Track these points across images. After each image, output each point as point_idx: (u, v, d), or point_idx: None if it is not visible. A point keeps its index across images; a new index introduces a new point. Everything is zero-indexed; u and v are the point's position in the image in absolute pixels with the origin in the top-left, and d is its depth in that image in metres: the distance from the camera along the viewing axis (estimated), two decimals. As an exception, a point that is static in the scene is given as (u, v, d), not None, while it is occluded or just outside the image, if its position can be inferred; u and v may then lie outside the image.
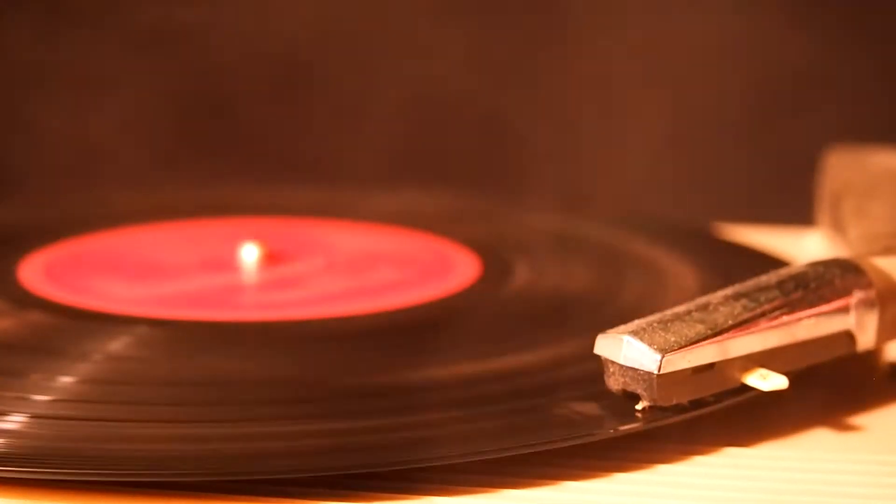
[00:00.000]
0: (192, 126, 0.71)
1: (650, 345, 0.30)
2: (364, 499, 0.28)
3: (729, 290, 0.32)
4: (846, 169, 0.49)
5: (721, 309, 0.31)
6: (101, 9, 0.70)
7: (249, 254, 0.42)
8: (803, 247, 0.49)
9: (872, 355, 0.37)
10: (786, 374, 0.32)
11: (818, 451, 0.31)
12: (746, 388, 0.32)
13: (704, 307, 0.31)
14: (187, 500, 0.28)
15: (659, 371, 0.30)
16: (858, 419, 0.33)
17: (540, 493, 0.29)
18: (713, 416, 0.32)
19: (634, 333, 0.30)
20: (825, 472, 0.30)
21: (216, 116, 0.71)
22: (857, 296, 0.33)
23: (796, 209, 0.53)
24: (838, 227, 0.45)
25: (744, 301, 0.32)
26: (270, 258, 0.43)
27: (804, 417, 0.33)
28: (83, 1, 0.70)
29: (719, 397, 0.31)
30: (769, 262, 0.43)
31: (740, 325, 0.31)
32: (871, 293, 0.33)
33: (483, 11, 0.69)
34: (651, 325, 0.31)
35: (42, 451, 0.29)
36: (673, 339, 0.30)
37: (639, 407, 0.31)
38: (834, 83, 0.66)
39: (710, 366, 0.31)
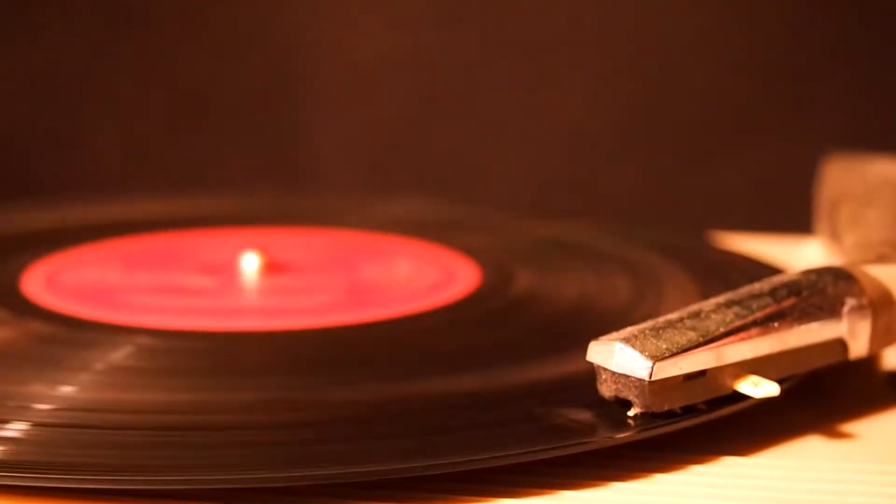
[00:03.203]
0: (191, 133, 0.71)
1: (642, 352, 0.30)
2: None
3: (721, 298, 0.32)
4: (844, 177, 0.49)
5: (713, 316, 0.32)
6: (97, 11, 0.70)
7: (250, 263, 0.43)
8: (802, 255, 0.49)
9: (870, 363, 0.37)
10: (779, 381, 0.32)
11: (816, 460, 0.31)
12: (739, 396, 0.32)
13: (696, 314, 0.32)
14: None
15: (650, 378, 0.30)
16: (856, 427, 0.33)
17: (537, 502, 0.29)
18: (710, 424, 0.32)
19: (626, 340, 0.31)
20: (823, 480, 0.30)
21: (211, 123, 0.71)
22: (850, 304, 0.33)
23: (795, 217, 0.53)
24: (835, 234, 0.45)
25: (736, 308, 0.32)
26: (271, 267, 0.43)
27: (802, 426, 0.33)
28: (75, 7, 0.70)
29: (713, 406, 0.32)
30: (767, 270, 0.43)
31: (732, 332, 0.31)
32: (864, 301, 0.34)
33: (482, 15, 0.69)
34: (643, 332, 0.31)
35: (43, 460, 0.29)
36: (664, 346, 0.30)
37: (631, 413, 0.31)
38: (833, 90, 0.66)
39: (702, 373, 0.31)
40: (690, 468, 0.31)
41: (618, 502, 0.29)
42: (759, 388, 0.31)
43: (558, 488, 0.30)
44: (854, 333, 0.34)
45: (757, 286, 0.33)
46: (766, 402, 0.32)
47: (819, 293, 0.33)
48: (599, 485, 0.30)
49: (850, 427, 0.33)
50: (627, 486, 0.30)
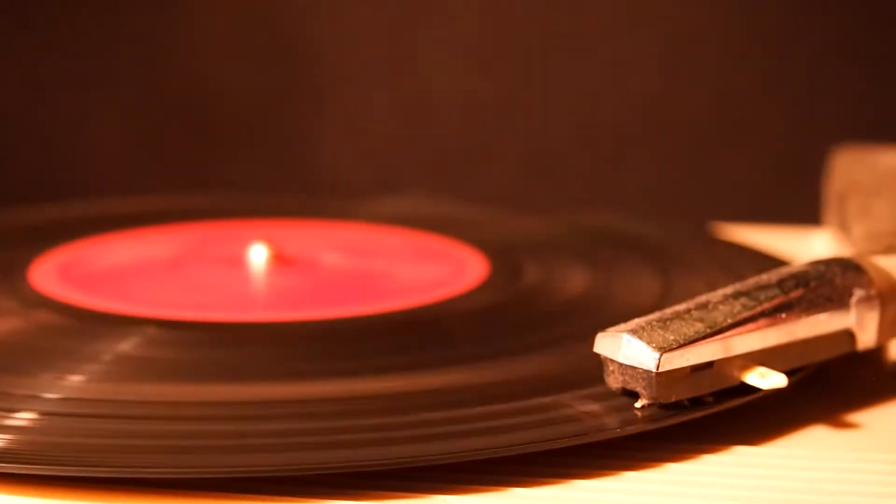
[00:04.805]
0: (200, 131, 0.72)
1: (649, 343, 0.30)
2: (371, 497, 0.29)
3: (729, 289, 0.32)
4: (853, 168, 0.49)
5: (720, 307, 0.32)
6: (100, 12, 0.70)
7: (258, 255, 0.43)
8: (810, 246, 0.49)
9: (878, 354, 0.37)
10: (786, 372, 0.32)
11: (826, 450, 0.31)
12: (747, 387, 0.32)
13: (704, 306, 0.32)
14: (193, 497, 0.29)
15: (657, 369, 0.30)
16: (865, 417, 0.33)
17: (549, 491, 0.29)
18: (721, 414, 0.32)
19: (633, 332, 0.31)
20: (834, 470, 0.30)
21: (223, 121, 0.71)
22: (858, 294, 0.33)
23: (803, 209, 0.53)
24: (844, 226, 0.45)
25: (743, 300, 0.32)
26: (279, 259, 0.43)
27: (812, 416, 0.33)
28: (78, 5, 0.70)
29: (720, 397, 0.32)
30: (775, 263, 0.43)
31: (739, 323, 0.31)
32: (872, 292, 0.33)
33: (486, 13, 0.69)
34: (650, 323, 0.31)
35: (51, 449, 0.29)
36: (672, 337, 0.30)
37: (638, 405, 0.31)
38: (842, 81, 0.66)
39: (710, 364, 0.31)
40: (702, 457, 0.31)
41: (630, 491, 0.29)
42: (767, 379, 0.31)
43: (571, 478, 0.30)
44: (862, 324, 0.34)
45: (765, 277, 0.33)
46: (776, 393, 0.32)
47: (827, 284, 0.33)
48: (612, 474, 0.30)
49: (858, 417, 0.33)
50: (639, 475, 0.30)
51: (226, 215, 0.50)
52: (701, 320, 0.31)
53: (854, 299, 0.33)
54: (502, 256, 0.44)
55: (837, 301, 0.33)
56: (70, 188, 0.70)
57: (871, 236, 0.41)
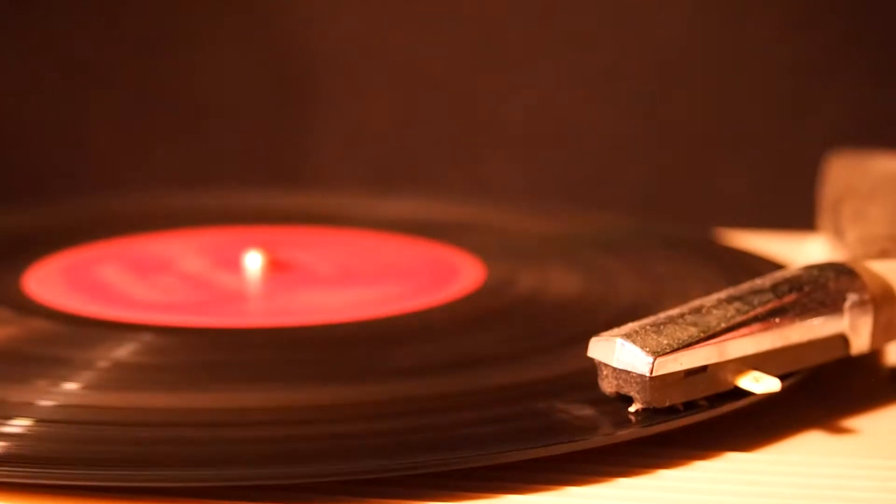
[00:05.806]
0: (193, 132, 0.72)
1: (642, 347, 0.30)
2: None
3: (722, 294, 0.32)
4: (847, 173, 0.49)
5: (714, 312, 0.32)
6: (99, 10, 0.70)
7: (253, 261, 0.43)
8: (805, 251, 0.49)
9: (872, 359, 0.37)
10: (780, 377, 0.32)
11: (820, 456, 0.31)
12: (740, 392, 0.32)
13: (697, 310, 0.32)
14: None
15: (651, 374, 0.30)
16: (859, 423, 0.33)
17: (543, 498, 0.29)
18: (713, 420, 0.32)
19: (627, 336, 0.31)
20: (827, 476, 0.30)
21: (213, 122, 0.71)
22: (852, 299, 0.33)
23: (798, 214, 0.53)
24: (838, 230, 0.45)
25: (737, 304, 0.32)
26: (275, 265, 0.43)
27: (804, 422, 0.33)
28: (76, 5, 0.71)
29: (714, 402, 0.32)
30: (770, 267, 0.43)
31: (733, 328, 0.31)
32: (866, 296, 0.34)
33: (485, 13, 0.69)
34: (644, 327, 0.31)
35: (46, 456, 0.29)
36: (665, 341, 0.31)
37: (632, 409, 0.31)
38: (837, 86, 0.66)
39: (703, 368, 0.31)
40: (694, 464, 0.31)
41: (622, 498, 0.29)
42: (760, 383, 0.31)
43: (563, 484, 0.30)
44: (855, 329, 0.34)
45: (758, 281, 0.33)
46: (769, 398, 0.32)
47: (821, 288, 0.33)
48: (604, 481, 0.30)
49: (852, 423, 0.33)
50: (631, 481, 0.30)
51: (223, 220, 0.50)
52: (695, 325, 0.31)
53: (848, 304, 0.33)
54: (498, 260, 0.44)
55: (831, 306, 0.33)
56: (66, 190, 0.70)
57: (865, 241, 0.41)
